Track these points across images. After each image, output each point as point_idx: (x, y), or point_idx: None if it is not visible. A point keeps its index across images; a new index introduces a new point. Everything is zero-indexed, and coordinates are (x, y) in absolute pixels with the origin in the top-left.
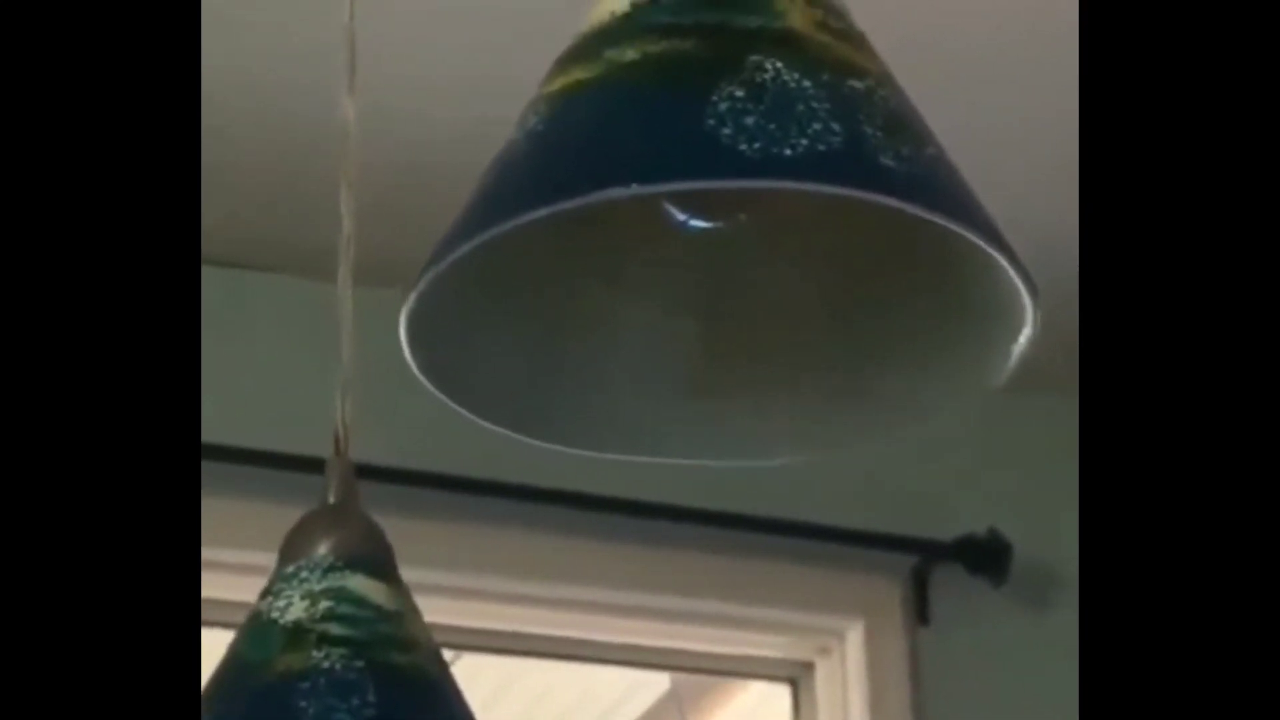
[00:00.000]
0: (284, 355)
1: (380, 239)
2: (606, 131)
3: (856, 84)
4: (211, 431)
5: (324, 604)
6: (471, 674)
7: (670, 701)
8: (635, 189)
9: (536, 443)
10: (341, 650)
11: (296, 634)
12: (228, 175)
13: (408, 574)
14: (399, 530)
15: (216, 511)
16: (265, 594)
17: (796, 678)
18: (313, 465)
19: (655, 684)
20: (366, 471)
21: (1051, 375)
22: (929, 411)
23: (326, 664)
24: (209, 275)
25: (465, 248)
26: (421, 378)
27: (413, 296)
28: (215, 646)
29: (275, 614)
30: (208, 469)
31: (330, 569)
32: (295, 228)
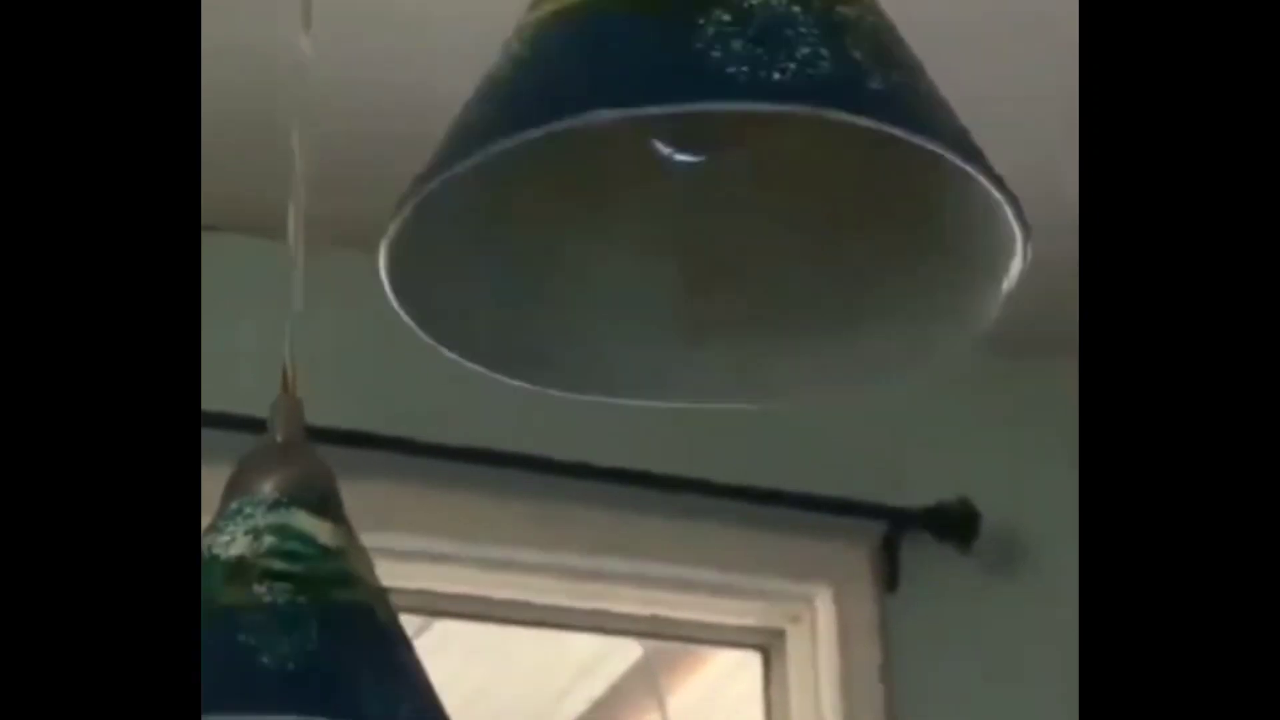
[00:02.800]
0: (239, 315)
1: (337, 203)
2: (592, 56)
3: (845, 10)
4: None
5: (268, 540)
6: (441, 639)
7: (643, 668)
8: (621, 112)
9: (516, 383)
10: (284, 585)
11: (239, 569)
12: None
13: (377, 539)
14: (369, 495)
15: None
16: (210, 530)
17: (767, 645)
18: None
19: (628, 651)
20: (337, 437)
21: (1024, 341)
22: (919, 353)
23: (269, 599)
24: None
25: (449, 172)
26: (400, 312)
27: (394, 224)
28: None
29: (218, 549)
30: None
31: (274, 505)
32: (252, 186)
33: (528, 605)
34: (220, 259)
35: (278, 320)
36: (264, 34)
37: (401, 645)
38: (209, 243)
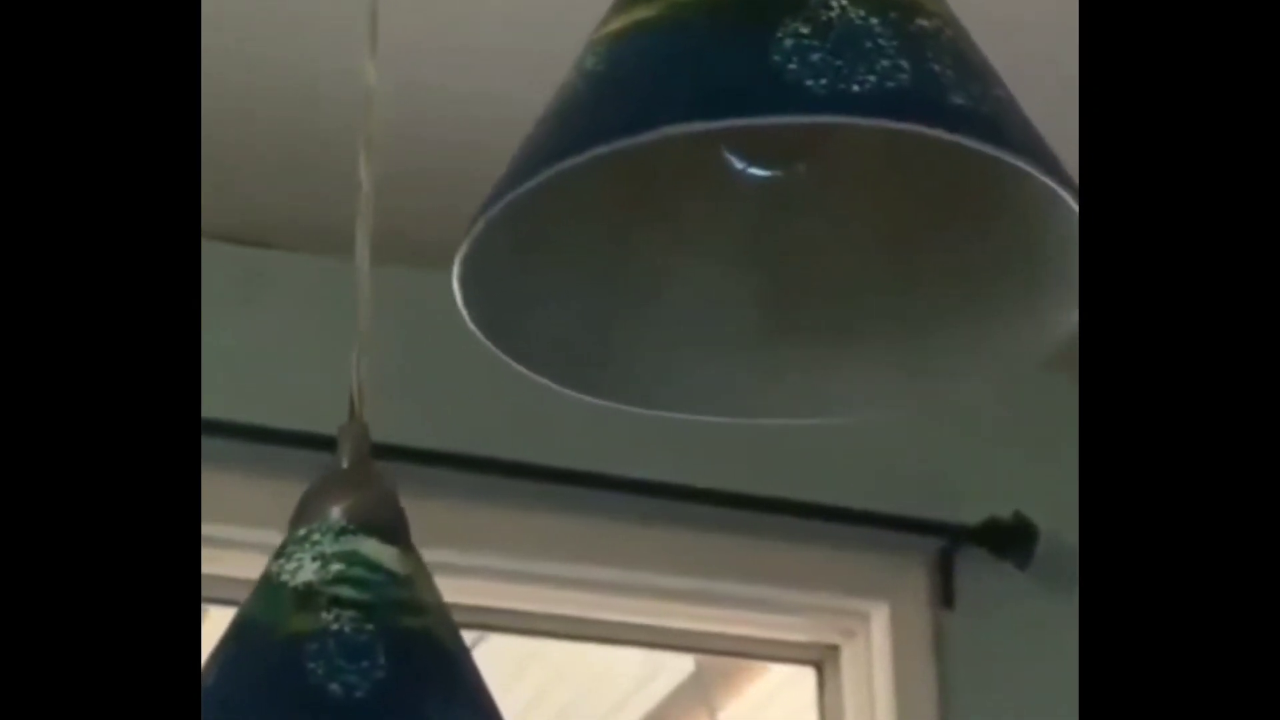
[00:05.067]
0: (305, 334)
1: (400, 219)
2: (669, 69)
3: (924, 22)
4: (231, 409)
5: (335, 567)
6: (490, 653)
7: (695, 683)
8: (697, 125)
9: (587, 398)
10: (352, 613)
11: (307, 596)
12: (249, 155)
13: (429, 554)
14: (419, 510)
15: (238, 489)
16: (277, 555)
17: (821, 660)
18: (332, 444)
19: (680, 665)
20: (387, 451)
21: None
22: (993, 365)
23: (336, 626)
24: (231, 254)
25: (523, 188)
26: (474, 328)
27: (467, 240)
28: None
29: (286, 576)
30: (227, 446)
31: (342, 532)
32: (316, 206)
33: (581, 620)
34: (287, 278)
35: (342, 338)
36: (330, 53)
37: (469, 673)
38: (274, 262)
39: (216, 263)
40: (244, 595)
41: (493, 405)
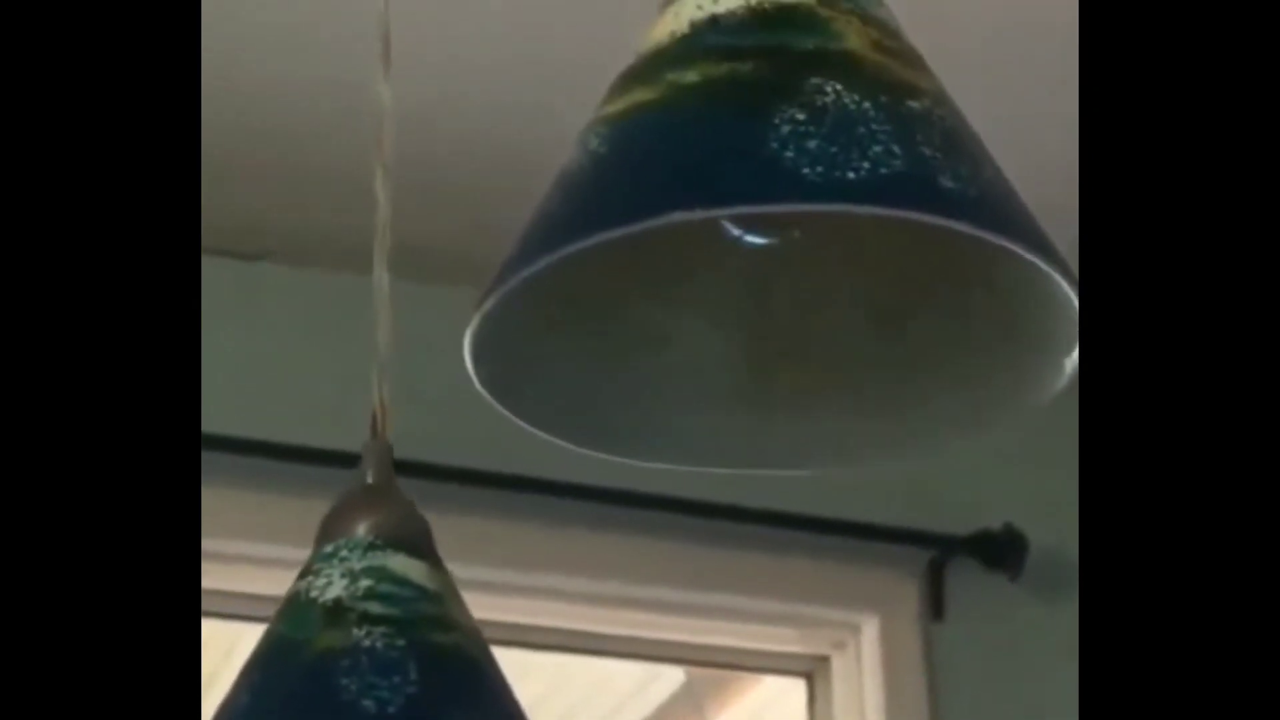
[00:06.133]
0: (303, 347)
1: (410, 234)
2: (670, 154)
3: (914, 104)
4: (227, 423)
5: (364, 582)
6: None
7: (686, 695)
8: (699, 213)
9: (588, 452)
10: (382, 629)
11: (337, 612)
12: (248, 167)
13: None
14: None
15: (235, 503)
16: (304, 574)
17: (812, 672)
18: (343, 459)
19: (670, 677)
20: None
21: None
22: (978, 426)
23: (368, 642)
24: (239, 270)
25: (530, 270)
26: (483, 391)
27: (478, 317)
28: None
29: (315, 593)
30: (236, 463)
31: (370, 548)
32: (316, 218)
33: (573, 632)
34: (297, 294)
35: (349, 355)
36: (338, 65)
37: (499, 688)
38: (285, 277)
39: (214, 275)
40: (241, 609)
41: (486, 419)
